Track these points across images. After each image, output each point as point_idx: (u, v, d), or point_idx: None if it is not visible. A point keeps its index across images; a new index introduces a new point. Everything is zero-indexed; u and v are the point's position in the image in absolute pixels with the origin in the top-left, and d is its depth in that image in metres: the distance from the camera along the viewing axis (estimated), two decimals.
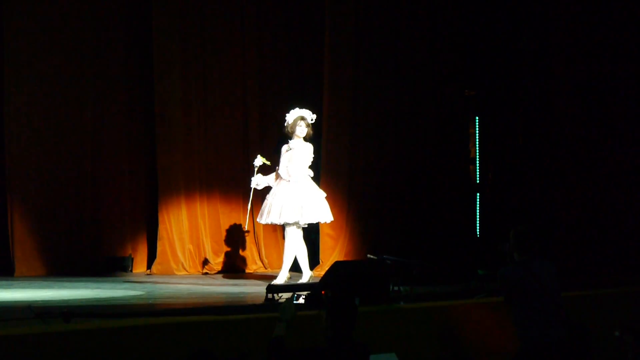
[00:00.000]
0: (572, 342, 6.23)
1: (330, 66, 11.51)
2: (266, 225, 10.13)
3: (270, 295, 7.31)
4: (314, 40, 12.13)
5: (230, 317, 6.36)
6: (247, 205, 10.13)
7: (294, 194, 9.33)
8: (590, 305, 7.93)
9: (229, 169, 11.94)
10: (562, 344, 6.18)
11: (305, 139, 9.54)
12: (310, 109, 9.67)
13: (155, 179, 11.69)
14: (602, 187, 11.17)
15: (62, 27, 11.52)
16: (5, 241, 11.30)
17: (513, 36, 12.11)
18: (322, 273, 8.42)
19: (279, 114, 10.16)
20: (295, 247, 9.39)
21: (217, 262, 11.74)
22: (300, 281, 9.26)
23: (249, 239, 11.89)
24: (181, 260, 11.47)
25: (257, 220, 9.86)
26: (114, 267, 11.60)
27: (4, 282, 10.14)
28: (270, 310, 6.30)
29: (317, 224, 10.11)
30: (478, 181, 12.55)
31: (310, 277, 9.39)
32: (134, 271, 11.70)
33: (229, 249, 11.86)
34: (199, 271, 11.57)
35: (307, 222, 9.48)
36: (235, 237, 11.87)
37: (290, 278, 9.45)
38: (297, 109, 9.62)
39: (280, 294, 7.26)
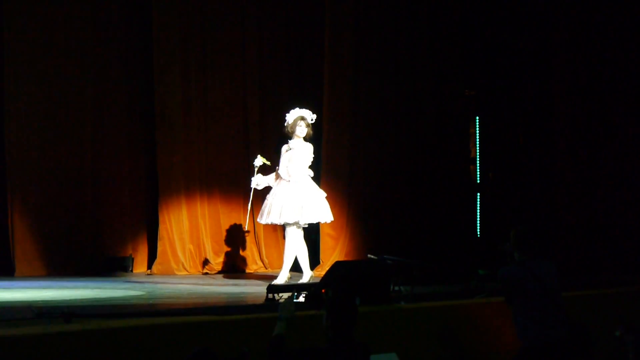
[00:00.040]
0: (572, 342, 6.23)
1: (330, 66, 11.51)
2: (266, 225, 10.13)
3: (270, 295, 7.31)
4: (314, 40, 12.13)
5: (230, 317, 6.37)
6: (248, 205, 10.12)
7: (294, 194, 9.32)
8: (591, 305, 7.93)
9: (230, 169, 11.94)
10: (562, 344, 6.18)
11: (305, 139, 9.53)
12: (310, 109, 9.67)
13: (155, 179, 11.70)
14: (603, 187, 11.17)
15: (62, 27, 11.53)
16: (5, 241, 11.30)
17: (513, 36, 12.11)
18: (323, 273, 8.42)
19: (279, 114, 10.16)
20: (295, 247, 9.39)
21: (217, 262, 11.74)
22: (301, 281, 9.26)
23: (249, 239, 11.89)
24: (181, 260, 11.47)
25: (258, 220, 9.86)
26: (115, 267, 11.60)
27: (4, 282, 10.14)
28: (271, 310, 6.29)
29: (318, 224, 10.11)
30: (478, 181, 12.55)
31: (311, 277, 9.39)
32: (134, 271, 11.71)
33: (229, 249, 11.86)
34: (199, 271, 11.57)
35: (308, 222, 9.48)
36: (235, 237, 11.87)
37: (290, 278, 9.45)
38: (297, 109, 9.62)
39: (280, 294, 7.26)
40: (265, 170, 9.76)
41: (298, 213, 9.29)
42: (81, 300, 8.28)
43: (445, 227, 11.62)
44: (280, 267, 9.70)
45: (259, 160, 9.70)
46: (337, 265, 7.48)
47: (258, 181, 9.63)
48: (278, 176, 9.50)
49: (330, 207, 9.64)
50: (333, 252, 11.22)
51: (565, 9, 11.38)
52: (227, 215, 11.89)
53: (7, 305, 7.75)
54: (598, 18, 11.24)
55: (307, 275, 9.39)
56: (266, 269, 11.87)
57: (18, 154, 11.32)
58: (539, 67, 11.80)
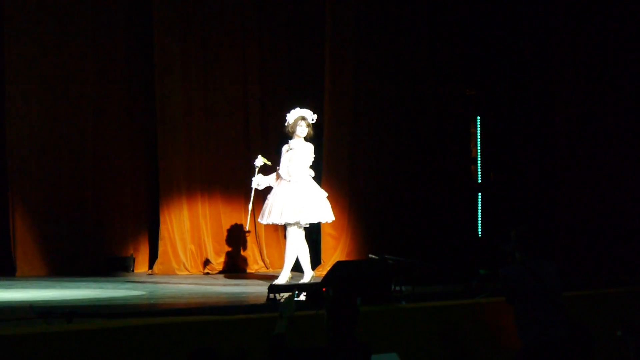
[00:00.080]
0: (573, 342, 6.23)
1: (331, 65, 11.50)
2: (267, 225, 10.13)
3: (271, 295, 7.31)
4: (314, 39, 12.13)
5: (232, 317, 6.37)
6: (249, 205, 10.13)
7: (294, 194, 9.32)
8: (592, 305, 7.92)
9: (230, 169, 11.94)
10: (563, 344, 6.18)
11: (306, 138, 9.53)
12: (311, 109, 9.67)
13: (156, 179, 11.70)
14: (604, 187, 11.15)
15: (63, 26, 11.54)
16: (6, 241, 11.31)
17: (514, 35, 12.10)
18: (324, 273, 8.43)
19: (280, 114, 10.16)
20: (296, 247, 9.39)
21: (218, 262, 11.74)
22: (302, 281, 9.26)
23: (250, 238, 11.89)
24: (183, 260, 11.48)
25: (259, 220, 9.86)
26: (116, 267, 11.61)
27: (5, 282, 10.16)
28: (272, 310, 6.30)
29: (319, 223, 10.11)
30: (479, 181, 12.54)
31: (312, 277, 9.39)
32: (135, 271, 11.71)
33: (230, 249, 11.87)
34: (200, 271, 11.58)
35: (308, 222, 9.48)
36: (236, 237, 11.87)
37: (291, 278, 9.45)
38: (297, 108, 9.62)
39: (281, 294, 7.26)
40: (266, 170, 9.76)
41: (299, 213, 9.29)
42: (82, 300, 8.30)
43: (446, 227, 11.62)
44: (281, 267, 9.70)
45: (260, 160, 9.70)
46: (338, 265, 7.48)
47: (259, 181, 9.63)
48: (279, 176, 9.50)
49: (332, 207, 9.64)
50: (334, 252, 11.21)
51: (566, 8, 11.36)
52: (228, 215, 11.90)
53: (9, 305, 7.76)
54: (599, 18, 11.23)
55: (308, 275, 9.39)
56: (267, 269, 11.88)
57: (19, 154, 11.33)
58: (540, 66, 11.78)
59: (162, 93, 11.62)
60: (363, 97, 11.60)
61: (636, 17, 11.07)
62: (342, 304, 5.14)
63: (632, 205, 11.02)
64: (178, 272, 11.36)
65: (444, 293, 8.30)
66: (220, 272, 11.61)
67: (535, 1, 11.84)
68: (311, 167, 9.55)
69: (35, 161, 11.39)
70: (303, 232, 9.46)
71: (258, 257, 11.96)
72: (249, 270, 11.84)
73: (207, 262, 11.66)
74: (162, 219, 11.54)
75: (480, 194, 12.51)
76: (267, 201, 9.55)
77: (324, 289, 6.67)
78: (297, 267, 9.51)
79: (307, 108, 9.66)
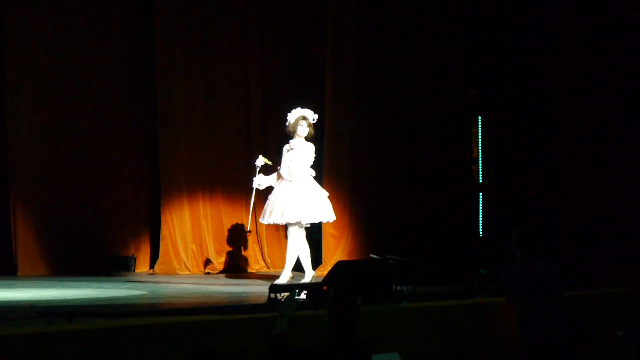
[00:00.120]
0: (574, 342, 6.23)
1: (332, 65, 11.50)
2: (269, 224, 10.13)
3: (273, 295, 7.31)
4: (315, 39, 12.13)
5: (232, 316, 6.37)
6: (250, 205, 10.13)
7: (295, 193, 9.32)
8: (593, 305, 7.92)
9: (232, 169, 11.95)
10: (564, 344, 6.18)
11: (307, 138, 9.53)
12: (312, 109, 9.66)
13: (157, 179, 11.71)
14: (605, 187, 11.16)
15: (64, 26, 11.54)
16: (8, 241, 11.32)
17: (515, 35, 12.10)
18: (325, 273, 8.42)
19: (281, 114, 10.16)
20: (297, 247, 9.39)
21: (219, 261, 11.75)
22: (303, 281, 9.26)
23: (251, 238, 11.90)
24: (184, 259, 11.48)
25: (260, 220, 9.85)
26: (117, 266, 11.61)
27: (7, 282, 10.16)
28: (273, 310, 6.29)
29: (320, 223, 10.11)
30: (481, 181, 12.54)
31: (313, 276, 9.39)
32: (136, 271, 11.72)
33: (231, 249, 11.87)
34: (201, 271, 11.58)
35: (310, 222, 9.48)
36: (237, 236, 11.88)
37: (292, 278, 9.45)
38: (298, 108, 9.61)
39: (282, 294, 7.26)
40: (266, 170, 9.76)
41: (300, 213, 9.28)
42: (83, 299, 8.30)
43: (447, 226, 11.62)
44: (282, 266, 9.70)
45: (261, 160, 9.70)
46: (339, 265, 7.48)
47: (260, 181, 9.63)
48: (279, 176, 9.49)
49: (333, 207, 9.64)
50: (335, 252, 11.21)
51: (567, 8, 11.37)
52: (229, 215, 11.90)
53: (10, 304, 7.76)
54: (600, 18, 11.24)
55: (309, 275, 9.39)
56: (268, 268, 11.88)
57: (20, 153, 11.34)
58: (541, 66, 11.79)
59: (163, 93, 11.63)
60: (364, 97, 11.60)
61: (636, 17, 11.08)
62: (343, 303, 5.14)
63: (633, 204, 11.02)
64: (179, 272, 11.36)
65: (445, 293, 8.30)
66: (221, 272, 11.62)
67: (536, 1, 11.84)
68: (312, 166, 9.54)
69: (36, 161, 11.39)
70: (304, 232, 9.46)
71: (259, 257, 11.97)
72: (250, 270, 11.84)
73: (208, 262, 11.67)
74: (163, 219, 11.54)
75: (481, 193, 12.51)
76: (268, 201, 9.55)
77: (324, 288, 6.67)
78: (298, 267, 9.51)
79: (308, 108, 9.66)
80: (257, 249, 11.98)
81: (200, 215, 11.71)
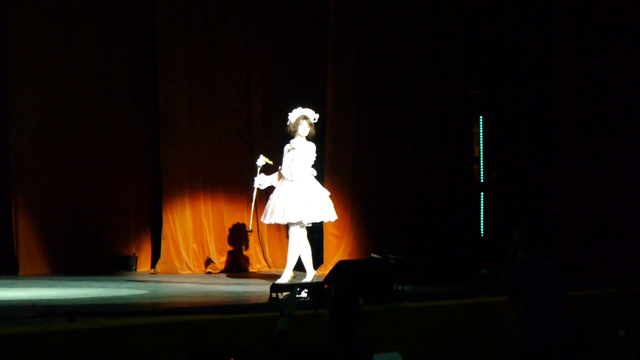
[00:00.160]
0: (575, 342, 6.23)
1: (333, 65, 11.50)
2: (270, 224, 10.12)
3: (274, 295, 7.32)
4: (317, 39, 12.13)
5: (234, 316, 6.37)
6: (251, 204, 10.13)
7: (297, 193, 9.32)
8: (594, 305, 7.92)
9: (233, 168, 11.95)
10: (565, 344, 6.18)
11: (308, 138, 9.52)
12: (313, 109, 9.66)
13: (159, 178, 11.71)
14: (606, 186, 11.16)
15: (66, 26, 11.54)
16: (9, 240, 11.31)
17: (517, 35, 12.10)
18: (326, 272, 8.43)
19: (283, 114, 10.16)
20: (299, 247, 9.39)
21: (220, 261, 11.75)
22: (304, 280, 9.26)
23: (252, 238, 11.90)
24: (185, 259, 11.48)
25: (261, 220, 9.85)
26: (118, 266, 11.61)
27: (8, 281, 10.17)
28: (275, 309, 6.30)
29: (321, 223, 10.11)
30: (482, 180, 12.55)
31: (314, 276, 9.39)
32: (138, 270, 11.72)
33: (232, 248, 11.87)
34: (202, 270, 11.58)
35: (311, 222, 9.48)
36: (239, 236, 11.88)
37: (294, 277, 9.45)
38: (299, 108, 9.61)
39: (284, 293, 7.26)
40: (267, 169, 9.76)
41: (301, 212, 9.28)
42: (85, 299, 8.30)
43: (448, 226, 11.62)
44: (283, 266, 9.70)
45: (262, 160, 9.70)
46: (340, 265, 7.49)
47: (261, 181, 9.63)
48: (281, 176, 9.49)
49: (334, 206, 9.63)
50: (337, 252, 11.22)
51: (569, 7, 11.37)
52: (230, 215, 11.90)
53: (11, 303, 7.77)
54: (601, 17, 11.23)
55: (310, 275, 9.39)
56: (269, 268, 11.88)
57: (22, 153, 11.33)
58: (542, 66, 11.79)
59: (164, 93, 11.63)
60: (365, 96, 11.61)
61: (637, 17, 11.07)
62: (344, 303, 5.15)
63: (634, 204, 11.02)
64: (180, 271, 11.36)
65: (446, 292, 8.30)
66: (222, 271, 11.62)
67: (538, 1, 11.84)
68: (313, 166, 9.54)
69: (38, 161, 11.39)
70: (305, 232, 9.46)
71: (260, 256, 11.97)
72: (251, 270, 11.85)
73: (209, 261, 11.67)
74: (164, 218, 11.55)
75: (482, 193, 12.51)
76: (269, 201, 9.55)
77: (325, 286, 6.67)
78: (299, 267, 9.51)
79: (310, 108, 9.66)
80: (258, 249, 11.98)
81: (202, 215, 11.72)
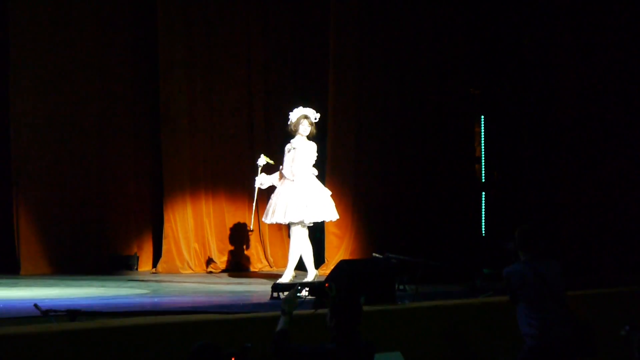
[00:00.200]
0: (577, 341, 6.22)
1: (334, 65, 11.49)
2: (271, 224, 10.12)
3: (275, 294, 7.32)
4: (318, 39, 12.12)
5: (235, 315, 6.37)
6: (252, 204, 10.13)
7: (298, 193, 9.32)
8: (596, 304, 7.92)
9: (234, 168, 11.95)
10: (567, 343, 6.18)
11: (309, 137, 9.52)
12: (314, 108, 9.66)
13: (160, 178, 11.71)
14: (608, 186, 11.16)
15: (67, 26, 11.54)
16: (11, 240, 11.32)
17: (518, 34, 12.10)
18: (328, 272, 8.43)
19: (284, 113, 10.16)
20: (300, 246, 9.38)
21: (222, 260, 11.75)
22: (305, 280, 9.26)
23: (254, 237, 11.90)
24: (186, 258, 11.48)
25: (263, 220, 9.86)
26: (120, 265, 11.62)
27: (10, 281, 10.17)
28: (276, 308, 6.30)
29: (322, 222, 10.11)
30: (483, 180, 12.54)
31: (316, 275, 9.39)
32: (139, 270, 11.72)
33: (234, 248, 11.87)
34: (204, 270, 11.58)
35: (312, 221, 9.47)
36: (240, 235, 11.88)
37: (295, 277, 9.45)
38: (300, 107, 9.61)
39: (285, 293, 7.26)
40: (269, 169, 9.76)
41: (303, 212, 9.28)
42: (86, 298, 8.30)
43: (450, 226, 11.61)
44: (285, 265, 9.70)
45: (262, 160, 9.70)
46: (342, 264, 7.49)
47: (262, 180, 9.63)
48: (282, 175, 9.49)
49: (335, 206, 9.63)
50: (338, 251, 11.21)
51: (570, 8, 11.36)
52: (232, 214, 11.90)
53: (13, 303, 7.77)
54: (602, 17, 11.23)
55: (312, 274, 9.39)
56: (271, 267, 11.88)
57: (23, 153, 11.33)
58: (543, 65, 11.78)
59: (165, 92, 11.62)
60: (367, 96, 11.60)
61: (637, 16, 11.07)
62: (345, 302, 5.15)
63: (635, 203, 11.02)
64: (182, 271, 11.36)
65: (448, 292, 8.31)
66: (223, 271, 11.62)
67: (539, 1, 11.84)
68: (314, 165, 9.54)
69: (39, 160, 11.39)
70: (307, 231, 9.46)
71: (262, 256, 11.97)
72: (252, 269, 11.85)
73: (210, 261, 11.67)
74: (166, 218, 11.55)
75: (484, 193, 12.51)
76: (270, 201, 9.55)
77: (326, 285, 6.67)
78: (300, 266, 9.51)
79: (311, 107, 9.65)
80: (259, 248, 11.98)
81: (203, 214, 11.72)
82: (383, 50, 11.66)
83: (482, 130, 12.53)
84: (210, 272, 11.52)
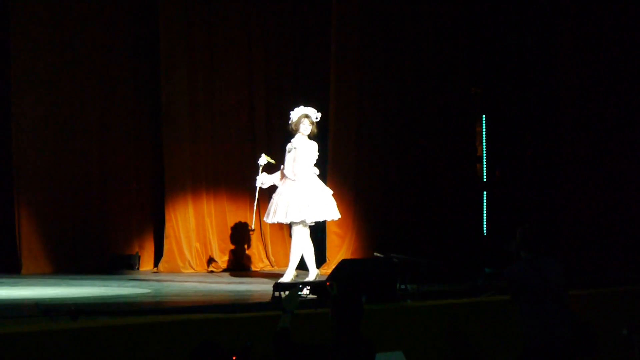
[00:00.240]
0: (578, 341, 6.22)
1: (336, 64, 11.49)
2: (272, 223, 10.12)
3: (277, 294, 7.31)
4: (319, 38, 12.13)
5: (236, 315, 6.37)
6: (254, 203, 10.12)
7: (299, 192, 9.31)
8: (597, 304, 7.91)
9: (236, 168, 11.95)
10: (568, 343, 6.17)
11: (310, 137, 9.51)
12: (316, 107, 9.65)
13: (161, 177, 11.71)
14: (609, 185, 11.15)
15: (68, 26, 11.55)
16: (12, 239, 11.33)
17: (519, 34, 12.09)
18: (329, 271, 8.43)
19: (285, 113, 10.15)
20: (301, 246, 9.38)
21: (223, 260, 11.76)
22: (307, 279, 9.25)
23: (255, 237, 11.90)
24: (188, 258, 11.49)
25: (264, 219, 9.84)
26: (121, 264, 11.62)
27: (11, 280, 10.18)
28: (277, 308, 6.30)
29: (324, 222, 10.10)
30: (485, 179, 12.54)
31: (317, 275, 9.38)
32: (140, 269, 11.73)
33: (235, 247, 11.88)
34: (205, 269, 11.59)
35: (314, 220, 9.47)
36: (241, 235, 11.88)
37: (297, 276, 9.44)
38: (301, 107, 9.60)
39: (286, 292, 7.25)
40: (270, 168, 9.76)
41: (304, 212, 9.27)
42: (87, 297, 8.30)
43: (451, 225, 11.61)
44: (286, 265, 9.69)
45: (263, 159, 9.69)
46: (343, 263, 7.49)
47: (263, 180, 9.62)
48: (283, 175, 9.49)
49: (337, 205, 9.62)
50: (339, 250, 11.21)
51: (571, 7, 11.36)
52: (233, 214, 11.91)
53: (14, 302, 7.78)
54: (603, 16, 11.22)
55: (313, 274, 9.38)
56: (272, 267, 11.89)
57: (25, 152, 11.34)
58: (545, 65, 11.78)
59: (167, 92, 11.63)
60: (368, 95, 11.60)
61: (637, 17, 11.07)
62: (347, 302, 5.15)
63: (636, 203, 11.01)
64: (183, 270, 11.37)
65: (449, 291, 8.30)
66: (225, 270, 11.63)
67: (540, 1, 11.83)
68: (316, 165, 9.53)
69: (40, 160, 11.40)
70: (308, 231, 9.45)
71: (263, 255, 11.98)
72: (253, 269, 11.85)
73: (212, 260, 11.67)
74: (167, 217, 11.55)
75: (485, 192, 12.51)
76: (272, 200, 9.54)
77: (327, 283, 6.67)
78: (302, 266, 9.51)
79: (312, 106, 9.64)
80: (261, 247, 11.98)
81: (204, 214, 11.72)
82: (384, 50, 11.66)
83: (484, 130, 12.53)
84: (212, 272, 11.52)
